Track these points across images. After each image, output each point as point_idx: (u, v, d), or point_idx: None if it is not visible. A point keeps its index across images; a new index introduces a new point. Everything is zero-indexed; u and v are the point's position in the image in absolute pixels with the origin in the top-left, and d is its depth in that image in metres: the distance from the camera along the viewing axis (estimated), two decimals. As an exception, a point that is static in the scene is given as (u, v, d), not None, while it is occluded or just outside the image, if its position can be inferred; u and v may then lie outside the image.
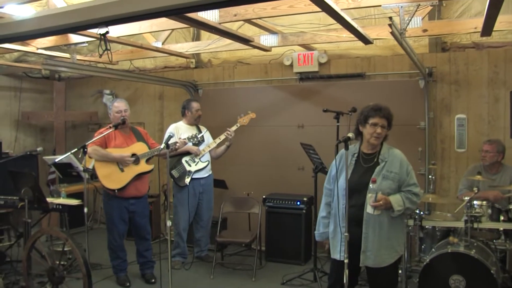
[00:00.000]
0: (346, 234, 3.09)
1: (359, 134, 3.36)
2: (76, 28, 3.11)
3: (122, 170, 4.58)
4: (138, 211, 4.75)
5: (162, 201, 6.62)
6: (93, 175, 6.00)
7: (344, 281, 3.07)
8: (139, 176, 4.66)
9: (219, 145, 5.41)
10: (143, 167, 4.68)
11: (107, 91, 7.50)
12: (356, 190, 3.23)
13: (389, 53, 5.63)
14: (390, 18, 3.39)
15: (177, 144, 4.78)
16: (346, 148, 3.14)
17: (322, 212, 3.50)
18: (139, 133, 4.88)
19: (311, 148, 4.96)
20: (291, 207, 5.47)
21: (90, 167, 4.78)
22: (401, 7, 3.65)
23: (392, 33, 3.48)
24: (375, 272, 3.25)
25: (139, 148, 4.71)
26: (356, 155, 3.34)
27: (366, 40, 4.33)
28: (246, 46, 5.24)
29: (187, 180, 5.20)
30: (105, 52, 3.54)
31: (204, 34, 6.56)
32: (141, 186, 4.72)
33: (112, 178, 4.54)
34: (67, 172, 5.60)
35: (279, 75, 6.22)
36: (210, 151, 5.40)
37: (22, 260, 3.89)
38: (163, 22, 4.44)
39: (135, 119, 6.48)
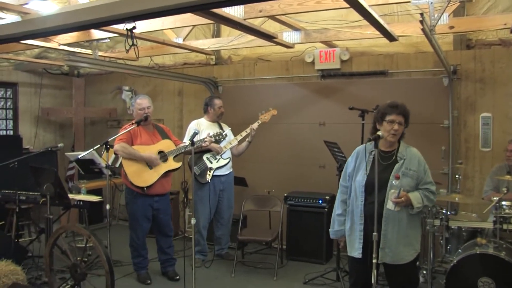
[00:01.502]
0: (375, 233, 3.07)
1: (376, 132, 3.32)
2: (101, 24, 3.10)
3: (150, 167, 4.58)
4: (162, 208, 4.74)
5: (182, 198, 6.62)
6: (115, 172, 6.06)
7: (372, 281, 3.03)
8: (166, 173, 4.65)
9: (240, 142, 5.40)
10: (171, 164, 4.68)
11: (126, 88, 7.51)
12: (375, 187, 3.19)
13: (412, 51, 5.56)
14: (421, 14, 3.33)
15: (205, 142, 4.78)
16: (376, 146, 3.12)
17: (337, 210, 3.48)
18: (163, 130, 4.87)
19: (336, 146, 4.92)
20: (313, 205, 5.43)
21: (110, 163, 4.77)
22: (431, 3, 3.58)
23: (423, 30, 3.42)
24: (394, 269, 3.25)
25: (166, 145, 4.71)
26: (373, 152, 3.30)
27: (391, 37, 4.26)
28: (267, 43, 5.20)
29: (208, 177, 5.18)
30: (131, 47, 3.54)
31: (225, 30, 6.53)
32: (166, 183, 4.72)
33: (141, 176, 4.53)
34: (89, 169, 5.63)
35: (301, 72, 6.17)
36: (231, 148, 5.38)
37: (45, 256, 3.89)
38: (187, 18, 4.41)
39: (154, 115, 6.36)
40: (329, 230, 3.54)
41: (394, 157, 3.30)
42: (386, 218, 3.21)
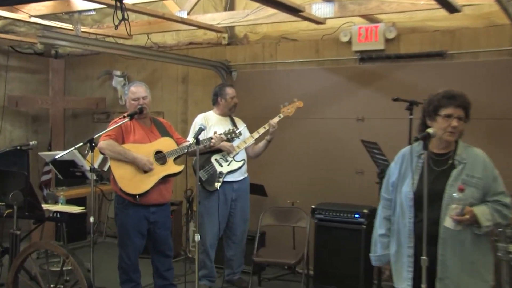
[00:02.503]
0: (424, 257, 3.00)
1: (425, 130, 3.25)
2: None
3: (145, 172, 4.59)
4: (159, 221, 4.74)
5: (185, 210, 6.63)
6: (102, 176, 6.10)
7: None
8: (165, 178, 4.66)
9: (257, 141, 5.37)
10: (171, 167, 4.67)
11: (118, 72, 7.54)
12: (428, 199, 3.12)
13: (481, 24, 5.38)
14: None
15: (213, 141, 4.80)
16: (426, 147, 3.06)
17: (379, 229, 3.40)
18: (162, 126, 4.88)
19: (376, 147, 4.87)
20: (348, 220, 5.38)
21: (97, 165, 4.80)
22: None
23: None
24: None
25: (165, 144, 4.71)
26: (423, 156, 3.24)
27: (451, 8, 4.19)
28: (293, 18, 5.16)
29: (218, 184, 5.18)
30: (122, 22, 3.56)
31: (240, 2, 6.50)
32: (165, 191, 4.72)
33: (133, 181, 4.53)
34: (69, 172, 5.66)
35: (334, 55, 6.12)
36: (246, 149, 5.37)
37: (7, 284, 3.81)
38: (192, -15, 4.44)
39: (153, 107, 6.36)
40: (370, 254, 3.47)
41: (450, 161, 3.17)
42: (444, 239, 3.06)
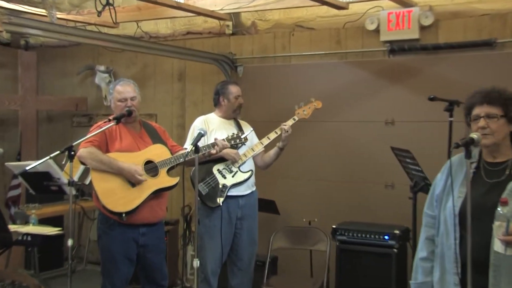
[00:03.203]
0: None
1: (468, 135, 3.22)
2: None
3: (133, 184, 4.56)
4: (151, 244, 4.70)
5: (182, 231, 6.64)
6: (82, 191, 6.11)
7: None
8: (158, 193, 4.65)
9: (267, 148, 5.36)
10: (164, 180, 4.63)
11: (102, 68, 7.57)
12: (476, 217, 3.10)
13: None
14: None
15: (216, 147, 4.79)
16: (468, 156, 3.02)
17: (421, 252, 3.35)
18: (155, 131, 4.85)
19: (408, 156, 4.85)
20: (376, 243, 5.35)
21: (77, 178, 4.79)
22: None
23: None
24: None
25: (158, 152, 4.68)
26: (475, 165, 3.23)
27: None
28: (309, 2, 5.16)
29: (220, 199, 5.16)
30: (106, 8, 3.58)
31: (247, -16, 6.57)
32: (158, 208, 4.67)
33: (119, 196, 4.50)
34: (42, 186, 5.65)
35: (358, 46, 6.14)
36: (254, 157, 5.36)
37: None
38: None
39: (144, 109, 6.47)
40: (410, 282, 3.44)
41: (508, 172, 3.12)
42: (495, 266, 2.99)
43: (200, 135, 4.19)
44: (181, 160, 4.65)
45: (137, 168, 4.54)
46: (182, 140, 5.92)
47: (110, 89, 4.86)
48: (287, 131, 5.21)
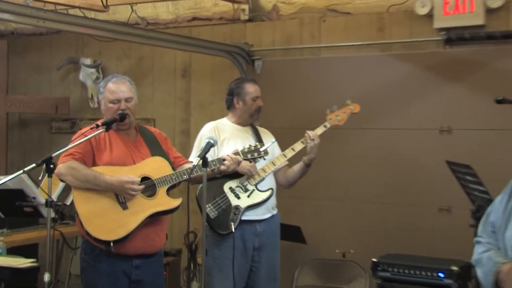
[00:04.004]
0: None
1: None
2: None
3: (124, 206, 4.54)
4: (147, 280, 4.64)
5: (186, 263, 6.63)
6: (62, 213, 6.10)
7: None
8: (155, 217, 4.63)
9: (291, 162, 5.33)
10: (164, 201, 4.57)
11: (87, 61, 7.61)
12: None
13: None
14: None
15: (225, 162, 4.77)
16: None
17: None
18: (154, 139, 4.81)
19: (469, 172, 4.81)
20: (428, 281, 5.28)
21: (55, 197, 4.78)
22: None
23: None
24: None
25: (156, 166, 4.63)
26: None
27: None
28: (343, -19, 5.19)
29: (233, 224, 5.13)
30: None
31: (267, -42, 6.60)
32: (155, 235, 4.63)
33: (107, 220, 4.47)
34: (13, 208, 5.66)
35: (406, 35, 6.14)
36: (275, 173, 5.35)
37: None
38: None
39: (141, 113, 6.47)
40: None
41: None
42: None
43: (209, 145, 4.18)
44: (185, 177, 4.58)
45: (130, 177, 4.48)
46: (186, 150, 5.91)
47: (100, 88, 4.78)
48: (313, 140, 5.18)
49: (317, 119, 5.33)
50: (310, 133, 5.18)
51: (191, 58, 7.13)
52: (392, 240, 5.91)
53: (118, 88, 4.67)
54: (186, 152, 5.61)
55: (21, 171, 4.31)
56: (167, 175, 4.63)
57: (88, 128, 4.62)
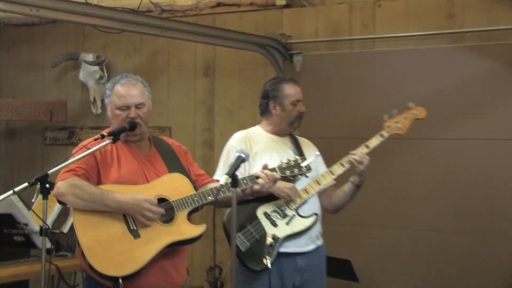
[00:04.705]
0: None
1: None
2: None
3: (135, 234, 4.54)
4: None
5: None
6: (58, 243, 6.12)
7: None
8: (173, 247, 4.64)
9: (339, 181, 5.30)
10: (184, 228, 4.57)
11: (89, 57, 7.65)
12: None
13: None
14: None
15: (259, 181, 4.74)
16: None
17: None
18: (172, 152, 4.83)
19: None
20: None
21: (50, 222, 4.79)
22: None
23: None
24: None
25: (175, 185, 4.63)
26: None
27: None
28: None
29: (268, 259, 5.11)
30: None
31: None
32: (173, 270, 4.61)
33: (114, 252, 4.47)
34: (1, 236, 5.68)
35: (482, 22, 6.11)
36: (319, 194, 5.33)
37: None
38: None
39: (154, 120, 6.37)
40: None
41: None
42: None
43: (240, 160, 4.16)
44: (210, 198, 4.58)
45: (146, 197, 4.46)
46: (209, 166, 5.93)
47: (106, 90, 4.77)
48: (361, 163, 5.13)
49: (371, 127, 5.30)
50: (355, 157, 5.12)
51: (215, 53, 7.16)
52: (461, 277, 5.88)
53: (127, 91, 4.65)
54: (210, 168, 5.60)
55: (11, 191, 4.28)
56: (187, 196, 4.60)
57: (91, 139, 4.60)
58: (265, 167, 4.73)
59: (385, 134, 5.23)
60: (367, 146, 5.14)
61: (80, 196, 4.41)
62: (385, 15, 6.46)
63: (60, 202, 4.59)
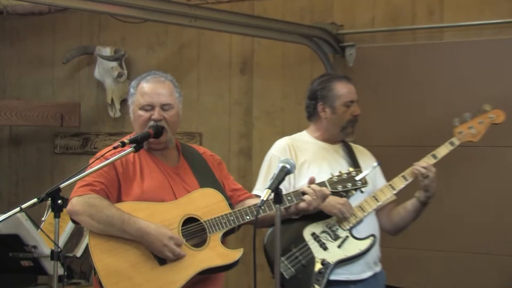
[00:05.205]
0: None
1: None
2: None
3: (161, 260, 4.55)
4: None
5: None
6: (70, 269, 6.15)
7: None
8: (205, 276, 4.62)
9: (399, 196, 5.32)
10: (218, 253, 4.58)
11: (106, 51, 7.71)
12: None
13: None
14: None
15: (306, 197, 4.72)
16: None
17: None
18: (203, 163, 4.85)
19: None
20: None
21: (62, 244, 4.83)
22: None
23: None
24: None
25: (207, 202, 4.64)
26: None
27: None
28: None
29: (318, 286, 5.13)
30: None
31: None
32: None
33: (136, 281, 4.49)
34: (7, 260, 5.70)
35: None
36: (377, 212, 5.34)
37: None
38: None
39: (183, 125, 6.39)
40: None
41: None
42: None
43: (284, 172, 4.11)
44: (248, 218, 4.60)
45: (174, 235, 4.46)
46: (247, 179, 5.93)
47: (130, 88, 4.78)
48: (426, 177, 5.10)
49: (438, 133, 5.33)
50: (420, 169, 5.11)
51: (254, 46, 7.19)
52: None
53: (153, 89, 4.66)
54: (247, 182, 5.62)
55: (17, 208, 4.29)
56: (222, 216, 4.61)
57: (110, 148, 4.59)
58: (312, 181, 4.69)
59: (456, 141, 5.20)
60: (434, 156, 5.12)
61: (96, 218, 4.43)
62: (455, 1, 6.43)
63: (73, 220, 4.59)
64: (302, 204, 4.64)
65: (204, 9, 6.62)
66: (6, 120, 7.89)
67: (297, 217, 4.93)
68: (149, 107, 4.60)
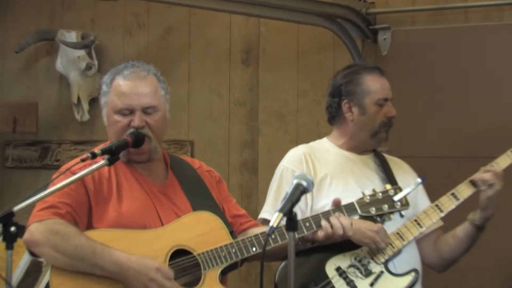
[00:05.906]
0: None
1: None
2: None
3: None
4: None
5: None
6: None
7: None
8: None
9: (448, 220, 5.33)
10: None
11: (71, 36, 7.72)
12: None
13: None
14: None
15: (326, 226, 4.69)
16: None
17: None
18: (198, 180, 4.87)
19: None
20: None
21: (17, 279, 4.82)
22: None
23: None
24: None
25: (201, 231, 4.66)
26: None
27: None
28: None
29: (344, 336, 5.15)
30: None
31: None
32: None
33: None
34: None
35: None
36: (420, 241, 5.36)
37: None
38: None
39: (170, 131, 6.42)
40: None
41: None
42: None
43: (300, 191, 4.07)
44: (254, 250, 4.60)
45: (158, 265, 4.43)
46: (251, 200, 5.94)
47: (102, 84, 4.78)
48: (492, 184, 5.09)
49: (496, 141, 5.29)
50: (482, 174, 5.09)
51: (260, 29, 7.19)
52: None
53: (132, 88, 4.63)
54: (251, 204, 5.61)
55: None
56: (221, 247, 4.61)
57: (77, 160, 4.56)
58: (337, 203, 4.71)
59: (521, 152, 5.20)
60: (492, 167, 5.10)
61: (62, 249, 4.39)
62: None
63: (31, 252, 4.57)
64: (321, 234, 4.69)
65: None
66: None
67: (313, 246, 4.96)
68: (128, 111, 4.59)
